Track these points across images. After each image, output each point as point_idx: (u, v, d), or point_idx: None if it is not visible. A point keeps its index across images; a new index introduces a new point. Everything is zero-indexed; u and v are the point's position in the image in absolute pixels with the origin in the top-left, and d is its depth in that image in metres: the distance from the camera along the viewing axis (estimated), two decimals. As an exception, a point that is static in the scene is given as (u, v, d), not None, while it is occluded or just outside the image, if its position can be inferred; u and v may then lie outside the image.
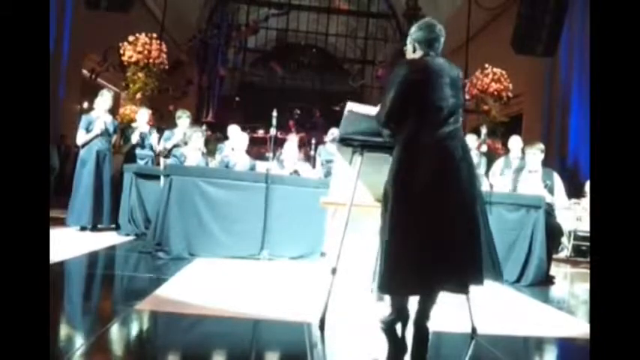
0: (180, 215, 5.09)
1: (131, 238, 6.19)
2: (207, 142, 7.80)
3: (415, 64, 2.76)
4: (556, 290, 5.17)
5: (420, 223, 2.51)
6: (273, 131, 5.65)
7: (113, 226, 6.61)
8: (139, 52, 9.80)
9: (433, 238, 2.50)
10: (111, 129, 6.62)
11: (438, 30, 2.83)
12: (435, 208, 2.52)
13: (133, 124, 7.52)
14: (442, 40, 2.84)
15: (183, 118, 7.16)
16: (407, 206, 2.54)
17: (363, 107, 3.19)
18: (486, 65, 10.75)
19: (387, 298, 2.96)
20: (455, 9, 16.83)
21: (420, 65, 2.74)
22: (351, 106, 3.21)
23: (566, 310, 4.27)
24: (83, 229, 6.34)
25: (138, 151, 7.11)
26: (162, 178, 5.90)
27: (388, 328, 2.65)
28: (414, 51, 2.84)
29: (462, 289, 2.62)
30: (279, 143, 7.23)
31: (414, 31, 2.85)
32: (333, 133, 7.17)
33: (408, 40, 2.89)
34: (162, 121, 10.66)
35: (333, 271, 3.06)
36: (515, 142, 6.62)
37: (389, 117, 2.73)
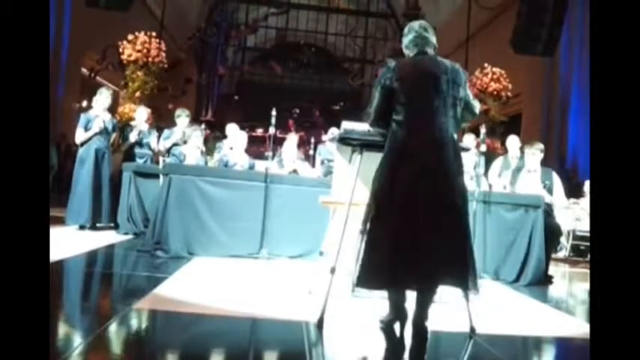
0: (179, 214, 5.09)
1: (130, 236, 6.19)
2: (206, 141, 7.81)
3: (401, 63, 2.76)
4: (554, 290, 5.17)
5: (399, 222, 2.50)
6: (272, 130, 5.64)
7: (112, 224, 6.61)
8: (138, 51, 9.81)
9: (412, 237, 2.47)
10: (110, 127, 6.61)
11: (419, 28, 2.82)
12: (418, 207, 2.50)
13: (132, 123, 7.51)
14: (427, 35, 2.80)
15: (182, 117, 7.16)
16: (387, 205, 2.54)
17: (357, 125, 3.24)
18: (486, 65, 10.76)
19: (365, 292, 2.96)
20: (455, 8, 16.86)
21: (406, 64, 2.75)
22: (346, 125, 3.27)
23: (565, 309, 4.27)
24: (82, 227, 6.34)
25: (137, 149, 7.10)
26: (161, 176, 5.90)
27: (387, 328, 2.65)
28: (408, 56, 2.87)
29: (431, 290, 2.56)
30: (279, 142, 7.22)
31: (402, 39, 2.88)
32: (333, 132, 7.16)
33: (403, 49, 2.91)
34: (162, 120, 10.67)
35: (332, 270, 3.06)
36: (512, 141, 6.63)
37: (376, 116, 2.75)
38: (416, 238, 2.47)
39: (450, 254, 2.51)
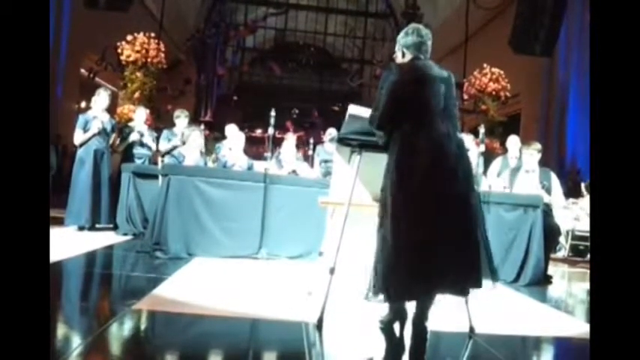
0: (178, 215, 5.09)
1: (129, 237, 6.18)
2: (205, 142, 7.79)
3: (404, 67, 2.78)
4: (554, 290, 5.18)
5: (417, 225, 2.50)
6: (271, 131, 5.63)
7: (111, 225, 6.60)
8: (137, 52, 9.81)
9: (431, 241, 2.48)
10: (108, 128, 6.62)
11: (425, 34, 2.87)
12: (432, 210, 2.51)
13: (131, 124, 7.51)
14: (429, 43, 2.87)
15: (181, 118, 7.16)
16: (404, 209, 2.54)
17: (364, 110, 3.19)
18: (484, 65, 10.78)
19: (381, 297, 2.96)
20: (453, 9, 16.85)
21: (409, 68, 2.77)
22: (352, 110, 3.23)
23: (564, 309, 4.28)
24: (81, 228, 6.33)
25: (136, 150, 7.10)
26: (160, 177, 5.90)
27: (386, 328, 2.65)
28: (403, 56, 2.89)
29: (462, 291, 2.60)
30: (278, 143, 7.21)
31: (401, 37, 2.90)
32: (331, 133, 7.17)
33: (397, 47, 2.93)
34: (160, 121, 10.65)
35: (331, 270, 3.06)
36: (513, 141, 6.62)
37: (382, 120, 2.74)
38: (434, 243, 2.48)
39: (465, 257, 2.52)
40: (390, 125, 2.72)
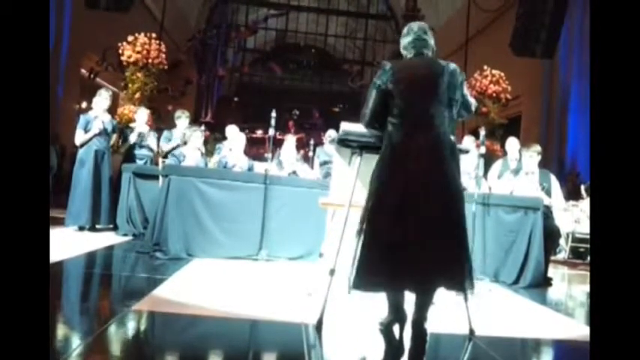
0: (178, 215, 5.09)
1: (129, 238, 6.19)
2: (205, 143, 7.81)
3: (395, 65, 2.75)
4: (554, 292, 5.17)
5: (394, 223, 2.49)
6: (271, 132, 5.63)
7: (111, 226, 6.61)
8: (138, 52, 9.82)
9: (408, 239, 2.47)
10: (109, 128, 6.62)
11: (417, 29, 2.83)
12: (414, 209, 2.49)
13: (132, 124, 7.51)
14: (426, 37, 2.81)
15: (182, 118, 7.17)
16: (384, 206, 2.54)
17: (356, 126, 3.22)
18: (485, 67, 10.76)
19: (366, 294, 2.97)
20: (454, 11, 16.87)
21: (401, 65, 2.75)
22: (344, 126, 3.26)
23: (564, 312, 4.28)
24: (81, 229, 6.34)
25: (137, 151, 7.11)
26: (160, 178, 5.90)
27: (386, 330, 2.65)
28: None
29: (427, 290, 2.53)
30: (278, 144, 7.21)
31: (401, 40, 2.88)
32: (331, 135, 7.16)
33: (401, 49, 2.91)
34: (161, 121, 10.67)
35: (332, 272, 3.06)
36: (512, 144, 6.62)
37: (371, 117, 2.75)
38: (412, 240, 2.47)
39: (445, 256, 2.50)
40: (376, 124, 2.74)
